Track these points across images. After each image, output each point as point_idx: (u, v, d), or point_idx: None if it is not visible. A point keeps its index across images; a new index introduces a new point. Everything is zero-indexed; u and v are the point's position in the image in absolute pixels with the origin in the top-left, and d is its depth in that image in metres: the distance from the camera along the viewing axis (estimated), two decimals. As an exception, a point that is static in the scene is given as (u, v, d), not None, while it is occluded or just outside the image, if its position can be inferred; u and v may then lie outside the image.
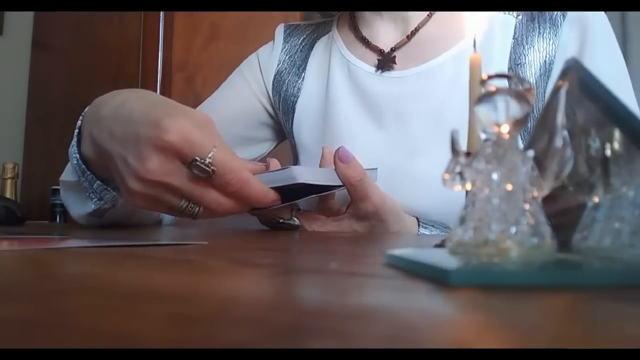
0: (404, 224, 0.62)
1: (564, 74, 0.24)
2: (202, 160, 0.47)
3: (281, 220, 0.61)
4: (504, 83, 0.22)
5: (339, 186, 0.57)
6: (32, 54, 1.80)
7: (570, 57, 0.25)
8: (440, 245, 0.30)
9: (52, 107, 1.65)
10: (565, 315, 0.15)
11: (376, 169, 0.62)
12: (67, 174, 0.64)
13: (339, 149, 0.57)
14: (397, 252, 0.24)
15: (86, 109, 0.57)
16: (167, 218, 0.78)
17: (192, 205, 0.51)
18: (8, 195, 1.26)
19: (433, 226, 0.63)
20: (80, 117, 0.57)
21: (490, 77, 0.22)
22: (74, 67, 1.61)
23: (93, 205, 0.58)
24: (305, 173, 0.55)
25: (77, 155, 0.57)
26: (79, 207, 0.63)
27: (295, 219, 0.61)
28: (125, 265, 0.26)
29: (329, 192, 0.58)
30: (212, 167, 0.48)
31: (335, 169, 0.57)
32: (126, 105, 0.52)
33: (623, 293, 0.18)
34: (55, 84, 1.68)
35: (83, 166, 0.56)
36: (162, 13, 1.46)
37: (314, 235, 0.54)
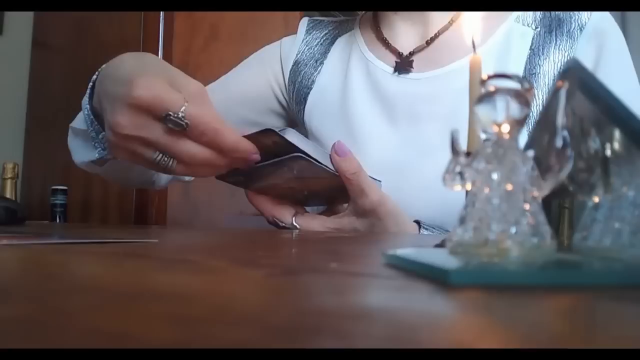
0: (404, 226, 0.62)
1: (564, 74, 0.24)
2: (175, 114, 0.50)
3: (282, 224, 0.61)
4: (504, 83, 0.22)
5: (333, 172, 0.58)
6: (32, 53, 1.80)
7: (571, 57, 0.25)
8: (440, 245, 0.30)
9: (52, 107, 1.65)
10: (565, 315, 0.15)
11: (380, 180, 0.62)
12: (78, 122, 0.69)
13: (335, 143, 0.59)
14: (397, 252, 0.24)
15: (103, 65, 0.60)
16: (162, 180, 0.82)
17: (167, 159, 0.53)
18: (8, 195, 1.26)
19: (434, 228, 0.63)
20: (97, 72, 0.61)
21: (490, 77, 0.22)
22: (74, 66, 1.60)
23: (97, 154, 0.62)
24: (303, 142, 0.56)
25: (88, 106, 0.61)
26: (83, 153, 0.67)
27: (296, 224, 0.61)
28: (125, 265, 0.26)
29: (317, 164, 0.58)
30: (185, 120, 0.50)
31: (332, 161, 0.58)
32: (122, 66, 0.55)
33: (623, 293, 0.18)
34: (55, 84, 1.68)
35: (92, 117, 0.60)
36: (162, 13, 1.45)
37: (314, 235, 0.54)
